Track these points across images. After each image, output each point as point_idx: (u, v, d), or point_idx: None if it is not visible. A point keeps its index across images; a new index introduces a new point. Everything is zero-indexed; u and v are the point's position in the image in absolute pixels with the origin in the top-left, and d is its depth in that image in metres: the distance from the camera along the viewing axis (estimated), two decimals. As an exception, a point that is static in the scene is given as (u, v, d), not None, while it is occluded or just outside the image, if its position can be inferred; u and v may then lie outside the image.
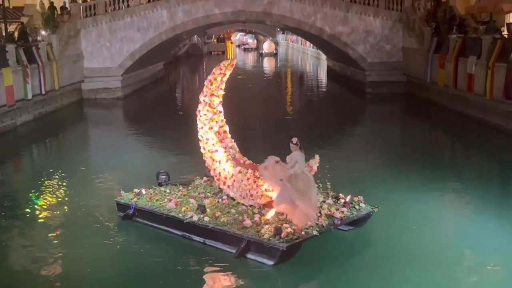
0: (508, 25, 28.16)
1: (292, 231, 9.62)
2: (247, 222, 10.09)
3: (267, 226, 9.97)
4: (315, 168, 10.86)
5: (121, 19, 32.67)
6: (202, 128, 11.67)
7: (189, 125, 23.78)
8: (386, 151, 19.34)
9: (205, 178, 12.69)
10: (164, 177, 12.86)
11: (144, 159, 18.52)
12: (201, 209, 10.69)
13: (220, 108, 11.74)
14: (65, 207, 13.20)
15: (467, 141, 21.05)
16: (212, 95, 11.56)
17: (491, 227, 11.36)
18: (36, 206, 13.32)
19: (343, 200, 11.09)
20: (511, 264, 9.78)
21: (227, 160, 11.32)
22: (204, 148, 11.72)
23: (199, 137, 11.78)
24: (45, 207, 13.30)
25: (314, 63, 60.59)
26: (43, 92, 26.40)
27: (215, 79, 11.55)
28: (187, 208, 10.94)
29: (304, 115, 28.64)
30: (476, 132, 21.64)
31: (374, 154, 18.65)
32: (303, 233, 9.65)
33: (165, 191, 12.06)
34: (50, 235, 11.46)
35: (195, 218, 10.50)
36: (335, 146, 19.81)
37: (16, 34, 29.40)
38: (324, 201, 11.02)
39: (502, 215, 12.01)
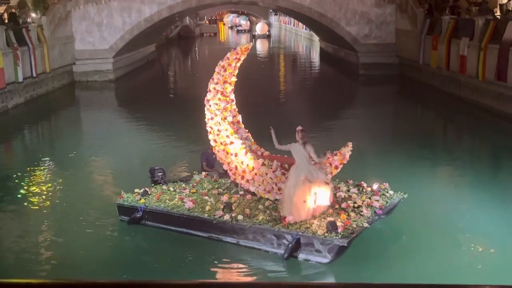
0: (501, 6, 28.10)
1: (343, 224, 9.00)
2: (290, 219, 9.28)
3: (315, 221, 9.24)
4: (347, 156, 10.07)
5: (112, 1, 32.34)
6: (212, 118, 10.73)
7: (181, 108, 23.90)
8: (379, 133, 19.39)
9: (204, 173, 11.83)
10: (160, 173, 11.89)
11: (136, 143, 18.48)
12: (228, 207, 9.87)
13: (233, 96, 10.92)
14: (56, 192, 13.17)
15: (459, 123, 21.14)
16: (225, 82, 10.65)
17: (466, 199, 11.50)
18: (26, 191, 13.25)
19: (369, 188, 10.62)
20: None
21: (246, 153, 10.44)
22: (215, 141, 10.80)
23: (208, 128, 10.90)
24: (35, 191, 13.24)
25: (307, 45, 60.36)
26: (34, 74, 26.20)
27: (229, 64, 10.61)
28: (209, 207, 10.05)
29: (297, 97, 28.62)
30: (467, 113, 21.70)
31: (369, 137, 18.69)
32: (354, 225, 9.06)
33: (169, 189, 11.08)
34: (39, 219, 11.46)
35: (227, 217, 9.61)
36: (329, 129, 19.84)
37: (5, 16, 29.07)
38: (348, 190, 10.54)
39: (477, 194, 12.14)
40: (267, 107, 23.80)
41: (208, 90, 10.78)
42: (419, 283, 1.82)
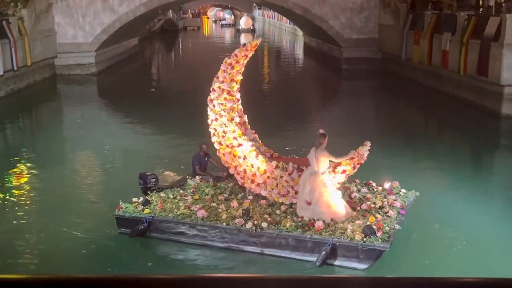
0: (483, 1, 28.34)
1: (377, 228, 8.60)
2: (319, 224, 8.82)
3: (349, 226, 8.74)
4: (365, 156, 9.43)
5: (94, -7, 32.02)
6: (216, 119, 10.10)
7: (165, 104, 23.78)
8: (361, 128, 19.49)
9: (198, 177, 11.08)
10: (154, 180, 11.06)
11: (118, 137, 18.35)
12: (247, 214, 9.20)
13: (238, 95, 10.36)
14: (37, 188, 13.06)
15: (440, 117, 21.35)
16: (232, 80, 10.09)
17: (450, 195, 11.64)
18: (6, 186, 13.09)
19: (380, 188, 10.35)
20: None
21: (257, 155, 9.87)
22: (219, 143, 10.19)
23: (211, 130, 10.29)
24: (16, 186, 13.12)
25: (291, 39, 60.37)
26: (15, 68, 25.85)
27: (237, 62, 10.05)
28: (223, 215, 9.32)
29: (280, 91, 28.63)
30: (449, 107, 21.91)
31: (351, 131, 18.78)
32: (387, 228, 8.66)
33: (168, 197, 10.25)
34: (21, 214, 11.32)
35: (249, 225, 8.95)
36: (310, 123, 19.87)
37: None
38: (359, 190, 10.22)
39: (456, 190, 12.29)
40: (249, 101, 23.75)
41: (211, 89, 10.17)
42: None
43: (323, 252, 8.45)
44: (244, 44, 10.12)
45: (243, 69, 10.29)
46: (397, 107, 24.16)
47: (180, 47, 61.56)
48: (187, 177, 11.28)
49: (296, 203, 9.54)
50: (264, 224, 8.97)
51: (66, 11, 31.94)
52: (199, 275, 1.32)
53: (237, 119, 10.09)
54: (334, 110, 23.56)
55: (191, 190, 10.50)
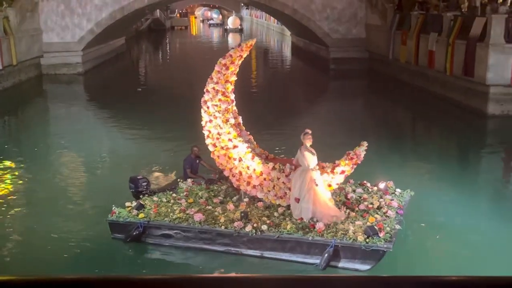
0: (469, 2, 28.55)
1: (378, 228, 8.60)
2: (320, 226, 8.77)
3: (351, 227, 8.71)
4: (362, 156, 9.42)
5: (81, -8, 31.79)
6: (211, 121, 9.93)
7: (152, 104, 23.65)
8: (348, 127, 19.56)
9: (190, 180, 10.93)
10: (145, 183, 10.76)
11: (105, 137, 18.27)
12: (246, 216, 9.13)
13: (233, 96, 10.20)
14: (21, 190, 12.89)
15: (427, 117, 21.48)
16: (226, 81, 9.93)
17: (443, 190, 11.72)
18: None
19: (375, 188, 10.36)
20: None
21: (253, 157, 9.73)
22: (214, 145, 10.03)
23: (205, 132, 10.12)
24: (1, 187, 13.00)
25: (279, 39, 60.42)
26: (0, 67, 25.61)
27: (232, 62, 9.88)
28: (221, 218, 9.22)
29: (268, 91, 28.65)
30: (436, 107, 22.06)
31: (338, 130, 18.85)
32: (388, 228, 8.66)
33: (161, 201, 10.10)
34: (4, 214, 11.21)
35: (249, 228, 8.88)
36: (297, 122, 19.87)
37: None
38: (354, 190, 10.20)
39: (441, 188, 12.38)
40: (236, 101, 23.73)
41: (205, 90, 10.00)
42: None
43: (326, 254, 8.38)
44: (240, 44, 9.91)
45: (237, 69, 10.13)
46: (384, 107, 24.27)
47: (168, 47, 61.34)
48: (179, 180, 11.09)
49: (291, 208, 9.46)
50: (264, 227, 8.89)
51: (52, 10, 31.68)
52: (193, 275, 1.28)
53: (232, 121, 9.93)
54: (322, 110, 23.61)
55: (185, 194, 10.36)
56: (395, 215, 9.30)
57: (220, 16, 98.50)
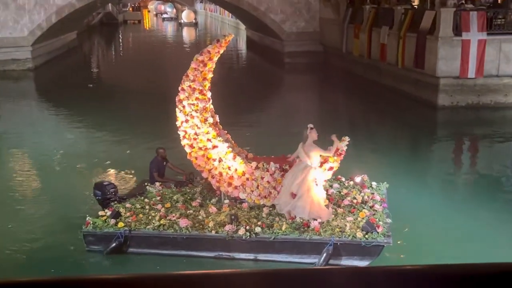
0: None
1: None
2: (315, 224, 8.60)
3: (346, 223, 8.65)
4: (344, 150, 9.46)
5: (29, -14, 30.87)
6: (187, 121, 9.51)
7: (107, 100, 23.23)
8: (306, 120, 19.70)
9: (158, 184, 10.50)
10: (113, 189, 10.08)
11: (57, 136, 17.83)
12: (235, 219, 8.85)
13: (209, 94, 9.80)
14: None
15: (380, 109, 21.89)
16: (204, 79, 9.57)
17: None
18: None
19: (351, 182, 10.31)
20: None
21: (235, 157, 9.46)
22: (191, 146, 9.61)
23: (180, 132, 9.66)
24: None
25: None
26: None
27: (210, 59, 9.53)
28: (207, 222, 8.90)
29: (222, 86, 28.50)
30: (388, 99, 22.48)
31: (296, 124, 18.97)
32: (381, 223, 8.66)
33: (135, 207, 9.60)
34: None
35: (242, 231, 8.61)
36: (252, 117, 19.96)
37: None
38: (331, 186, 10.09)
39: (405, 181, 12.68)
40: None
41: (180, 88, 9.53)
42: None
43: (325, 253, 8.27)
44: (218, 40, 9.49)
45: (214, 66, 9.75)
46: (338, 100, 24.56)
47: (120, 41, 60.31)
48: (145, 184, 10.56)
49: (277, 204, 9.24)
50: (258, 229, 8.63)
51: (-1, 4, 30.68)
52: (181, 272, 1.22)
53: (211, 120, 9.56)
54: (277, 105, 23.72)
55: (158, 198, 9.89)
56: (382, 209, 9.31)
57: (174, 10, 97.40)
